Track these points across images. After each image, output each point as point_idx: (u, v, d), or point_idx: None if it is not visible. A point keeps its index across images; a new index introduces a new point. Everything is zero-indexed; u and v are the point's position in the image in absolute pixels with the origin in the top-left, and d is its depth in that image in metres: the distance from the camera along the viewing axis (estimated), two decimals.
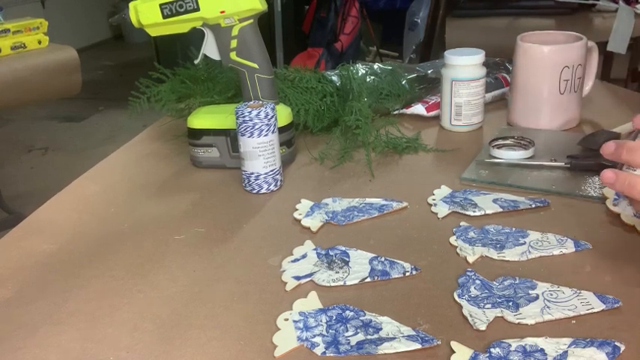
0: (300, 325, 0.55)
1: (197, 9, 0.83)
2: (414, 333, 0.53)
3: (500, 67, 1.16)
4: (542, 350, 0.50)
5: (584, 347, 0.50)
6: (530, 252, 0.64)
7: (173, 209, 0.80)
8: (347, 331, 0.54)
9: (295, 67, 1.06)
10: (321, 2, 3.61)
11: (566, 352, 0.50)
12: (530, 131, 0.94)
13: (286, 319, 0.56)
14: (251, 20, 0.84)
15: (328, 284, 0.61)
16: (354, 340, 0.53)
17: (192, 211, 0.79)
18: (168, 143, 1.02)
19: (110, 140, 3.25)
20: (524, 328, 0.53)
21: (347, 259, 0.65)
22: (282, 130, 0.85)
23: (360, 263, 0.64)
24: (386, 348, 0.51)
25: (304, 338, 0.53)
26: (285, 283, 0.62)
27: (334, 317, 0.56)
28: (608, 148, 0.56)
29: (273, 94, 0.88)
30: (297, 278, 0.62)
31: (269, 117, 0.78)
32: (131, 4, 0.84)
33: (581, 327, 0.53)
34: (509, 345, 0.51)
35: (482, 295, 0.58)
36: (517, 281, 0.59)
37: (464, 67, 0.95)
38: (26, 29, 2.00)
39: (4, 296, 0.63)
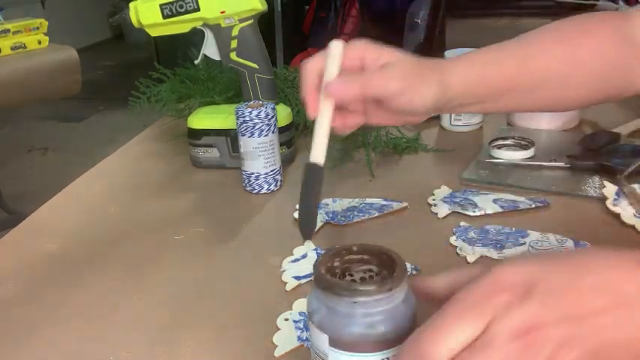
0: (301, 325, 0.55)
1: (197, 9, 0.83)
2: None
3: None
4: None
5: None
6: (530, 252, 0.64)
7: (173, 209, 0.80)
8: None
9: (295, 67, 1.06)
10: (321, 2, 3.61)
11: None
12: (530, 131, 0.94)
13: (286, 319, 0.56)
14: (251, 20, 0.85)
15: None
16: None
17: (192, 211, 0.79)
18: (168, 143, 1.02)
19: (110, 140, 3.23)
20: None
21: None
22: (282, 130, 0.85)
23: None
24: None
25: (304, 338, 0.53)
26: (285, 283, 0.62)
27: None
28: None
29: (273, 94, 0.88)
30: (297, 278, 0.62)
31: (269, 117, 0.78)
32: (131, 4, 0.84)
33: None
34: None
35: None
36: None
37: None
38: (26, 29, 2.00)
39: (4, 296, 0.63)
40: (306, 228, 0.53)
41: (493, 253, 0.64)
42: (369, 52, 0.56)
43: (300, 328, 0.55)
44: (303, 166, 0.53)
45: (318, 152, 0.53)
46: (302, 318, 0.56)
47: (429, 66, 0.58)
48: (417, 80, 0.56)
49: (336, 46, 0.55)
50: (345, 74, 0.55)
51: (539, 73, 0.62)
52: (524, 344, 0.35)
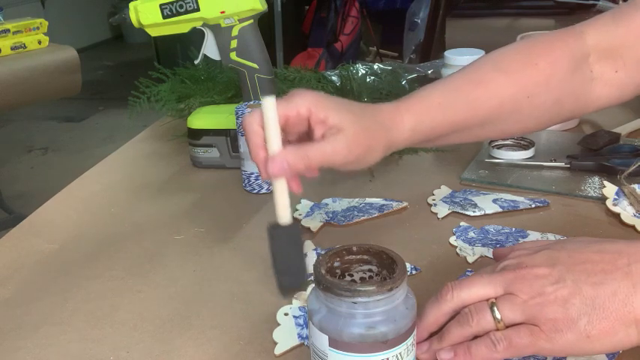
0: (301, 321, 0.55)
1: (197, 9, 0.83)
2: None
3: None
4: None
5: None
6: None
7: (173, 209, 0.80)
8: None
9: (295, 67, 1.06)
10: (321, 2, 3.61)
11: None
12: None
13: (286, 314, 0.56)
14: (251, 20, 0.85)
15: None
16: None
17: (192, 211, 0.79)
18: (168, 143, 1.02)
19: (110, 140, 3.25)
20: None
21: None
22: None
23: None
24: None
25: (304, 336, 0.53)
26: None
27: None
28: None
29: (273, 94, 0.88)
30: None
31: None
32: (131, 4, 0.84)
33: None
34: None
35: None
36: None
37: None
38: (26, 29, 2.00)
39: (4, 296, 0.63)
40: (296, 283, 0.53)
41: None
42: (315, 110, 0.53)
43: (300, 325, 0.55)
44: (271, 229, 0.55)
45: (286, 213, 0.54)
46: (302, 314, 0.56)
47: (376, 128, 0.56)
48: (363, 150, 0.55)
49: (268, 105, 0.51)
50: (287, 144, 0.53)
51: (489, 111, 0.62)
52: (518, 275, 0.46)
